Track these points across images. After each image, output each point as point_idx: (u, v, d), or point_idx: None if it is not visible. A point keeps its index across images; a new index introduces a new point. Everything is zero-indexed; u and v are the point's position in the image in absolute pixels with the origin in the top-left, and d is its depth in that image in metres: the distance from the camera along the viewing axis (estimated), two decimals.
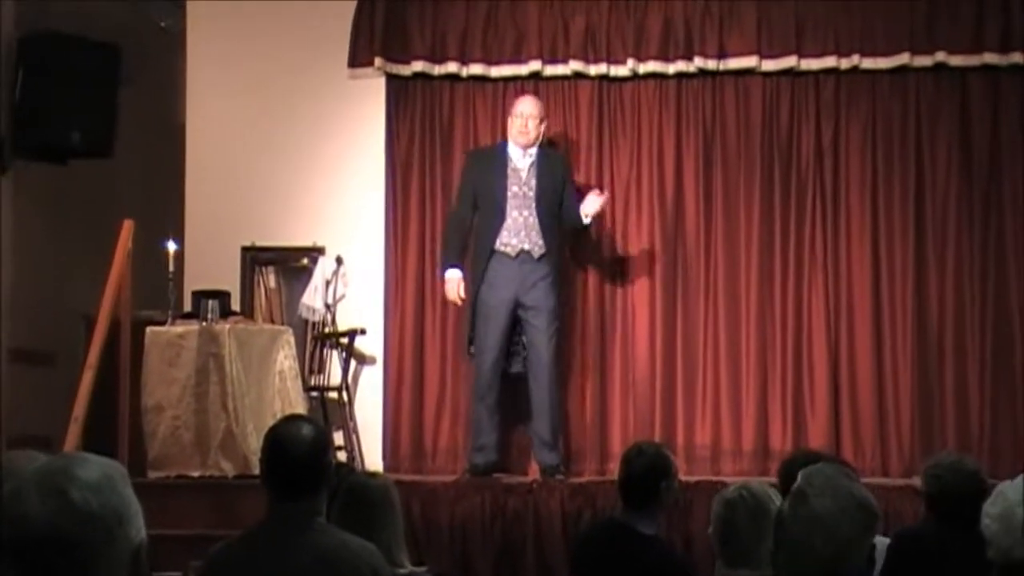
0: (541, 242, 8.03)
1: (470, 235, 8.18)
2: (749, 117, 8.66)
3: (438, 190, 8.79)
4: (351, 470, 5.30)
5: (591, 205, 8.02)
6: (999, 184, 8.48)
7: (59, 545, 1.87)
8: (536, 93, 8.56)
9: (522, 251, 8.03)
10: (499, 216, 8.04)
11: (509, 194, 8.07)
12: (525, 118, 8.15)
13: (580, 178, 8.57)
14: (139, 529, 1.95)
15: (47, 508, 1.87)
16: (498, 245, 8.03)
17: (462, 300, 8.15)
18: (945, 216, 8.48)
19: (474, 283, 8.09)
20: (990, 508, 3.31)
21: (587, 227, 8.18)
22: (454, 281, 8.14)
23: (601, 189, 8.22)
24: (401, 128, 8.86)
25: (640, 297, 8.61)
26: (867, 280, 8.46)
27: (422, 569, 4.32)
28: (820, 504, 2.86)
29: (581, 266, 8.64)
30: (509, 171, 8.11)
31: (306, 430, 3.67)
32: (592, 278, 8.65)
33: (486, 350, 8.04)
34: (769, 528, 3.95)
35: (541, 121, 8.19)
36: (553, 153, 8.39)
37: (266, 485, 3.64)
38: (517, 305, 8.02)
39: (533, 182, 8.09)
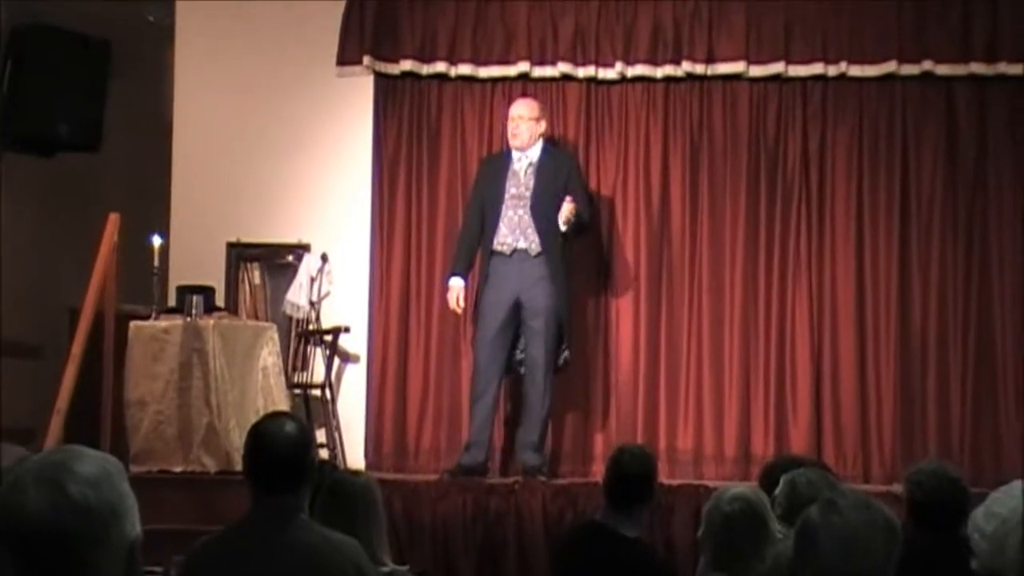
0: (537, 240, 8.03)
1: (479, 244, 8.20)
2: (736, 122, 8.67)
3: (424, 189, 8.80)
4: (333, 468, 5.30)
5: (560, 213, 7.98)
6: (984, 193, 8.51)
7: (55, 538, 1.87)
8: (524, 94, 8.58)
9: (516, 249, 8.04)
10: (496, 217, 8.08)
11: (507, 196, 8.10)
12: (515, 120, 8.19)
13: None
14: (134, 524, 1.95)
15: (44, 501, 1.88)
16: (495, 245, 8.06)
17: (461, 308, 8.17)
18: (929, 225, 8.51)
19: (479, 285, 8.13)
20: (982, 524, 3.29)
21: (566, 234, 8.10)
22: (455, 290, 8.16)
23: (573, 196, 8.16)
24: (388, 127, 8.86)
25: (624, 300, 8.62)
26: (851, 287, 8.49)
27: (404, 568, 4.32)
28: (853, 518, 2.81)
29: (565, 268, 8.64)
30: (510, 174, 8.15)
31: (289, 427, 3.68)
32: (577, 280, 8.64)
33: (483, 348, 8.06)
34: (764, 535, 3.98)
35: (537, 121, 8.21)
36: (559, 153, 8.40)
37: (249, 481, 3.65)
38: (519, 305, 8.03)
39: (532, 182, 8.11)
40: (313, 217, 8.81)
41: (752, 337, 8.52)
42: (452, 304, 8.18)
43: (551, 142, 8.39)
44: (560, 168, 8.20)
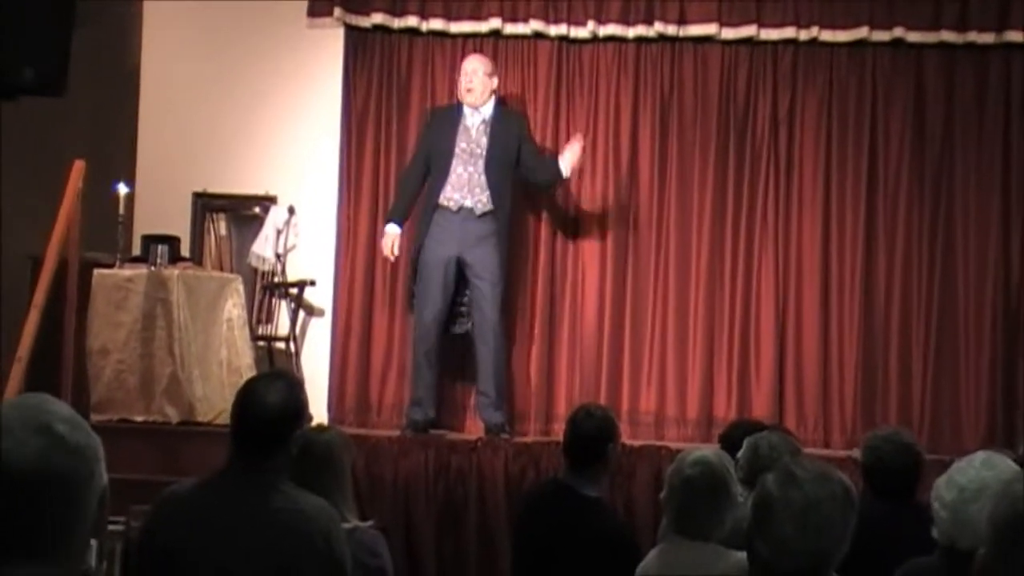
0: (485, 199, 8.03)
1: (419, 194, 8.18)
2: (706, 85, 8.67)
3: (393, 143, 8.76)
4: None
5: (571, 157, 8.00)
6: (951, 161, 8.55)
7: (49, 479, 1.87)
8: (495, 52, 8.60)
9: (463, 207, 8.03)
10: (445, 171, 8.05)
11: (457, 150, 8.07)
12: (468, 74, 8.17)
13: (536, 139, 8.56)
14: (103, 473, 1.96)
15: (39, 443, 1.88)
16: (441, 200, 8.04)
17: (395, 257, 8.17)
18: (896, 191, 8.55)
19: (418, 238, 8.10)
20: (944, 493, 3.32)
21: (566, 179, 8.19)
22: (390, 236, 8.15)
23: (565, 143, 8.20)
24: (358, 80, 8.82)
25: (590, 260, 8.63)
26: (817, 252, 8.52)
27: (367, 523, 4.32)
28: (811, 491, 2.80)
29: (532, 227, 8.65)
30: (460, 129, 8.11)
31: (280, 390, 3.60)
32: (543, 239, 8.66)
33: (426, 306, 8.06)
34: (726, 500, 4.00)
35: (490, 76, 8.20)
36: (510, 112, 8.38)
37: (231, 437, 3.59)
38: (460, 263, 8.03)
39: (484, 140, 8.09)
40: (280, 169, 8.77)
41: (717, 300, 8.55)
42: (387, 251, 8.18)
43: (501, 100, 8.37)
44: (512, 126, 8.19)
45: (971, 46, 8.48)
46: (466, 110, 8.17)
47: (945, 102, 8.56)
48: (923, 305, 8.46)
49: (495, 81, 8.24)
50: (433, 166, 8.11)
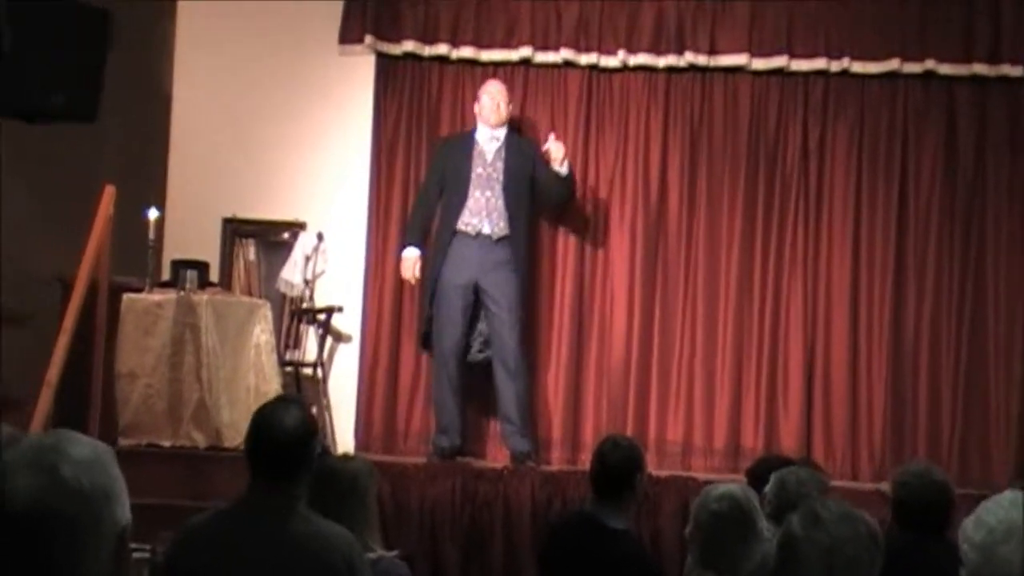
0: (503, 224, 8.07)
1: (433, 219, 8.21)
2: (737, 115, 8.67)
3: (422, 171, 8.77)
4: (325, 452, 5.28)
5: (554, 152, 8.03)
6: (982, 195, 8.51)
7: (48, 521, 1.87)
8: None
9: (481, 233, 8.05)
10: (462, 196, 8.08)
11: (473, 175, 8.12)
12: (495, 98, 8.23)
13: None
14: (125, 509, 1.95)
15: (37, 483, 1.87)
16: (460, 225, 8.07)
17: (416, 280, 8.18)
18: (927, 224, 8.51)
19: (435, 265, 8.12)
20: (972, 533, 3.29)
21: (568, 175, 8.18)
22: (410, 260, 8.20)
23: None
24: (388, 107, 8.85)
25: (619, 289, 8.61)
26: (846, 284, 8.49)
27: (392, 553, 4.31)
28: (836, 531, 2.79)
29: (559, 253, 8.65)
30: (475, 154, 8.17)
31: (293, 415, 3.65)
32: (571, 267, 8.65)
33: (446, 332, 8.07)
34: (752, 534, 3.98)
35: (508, 102, 8.34)
36: (522, 138, 8.45)
37: (248, 465, 3.62)
38: (477, 289, 8.04)
39: (500, 164, 8.15)
40: (310, 196, 8.79)
41: (745, 330, 8.52)
42: (407, 274, 8.21)
43: (514, 127, 8.43)
44: (526, 151, 8.24)
45: (1003, 79, 8.45)
46: (479, 136, 8.22)
47: (977, 134, 8.53)
48: (952, 337, 8.41)
49: (508, 108, 8.32)
50: (450, 193, 8.15)
